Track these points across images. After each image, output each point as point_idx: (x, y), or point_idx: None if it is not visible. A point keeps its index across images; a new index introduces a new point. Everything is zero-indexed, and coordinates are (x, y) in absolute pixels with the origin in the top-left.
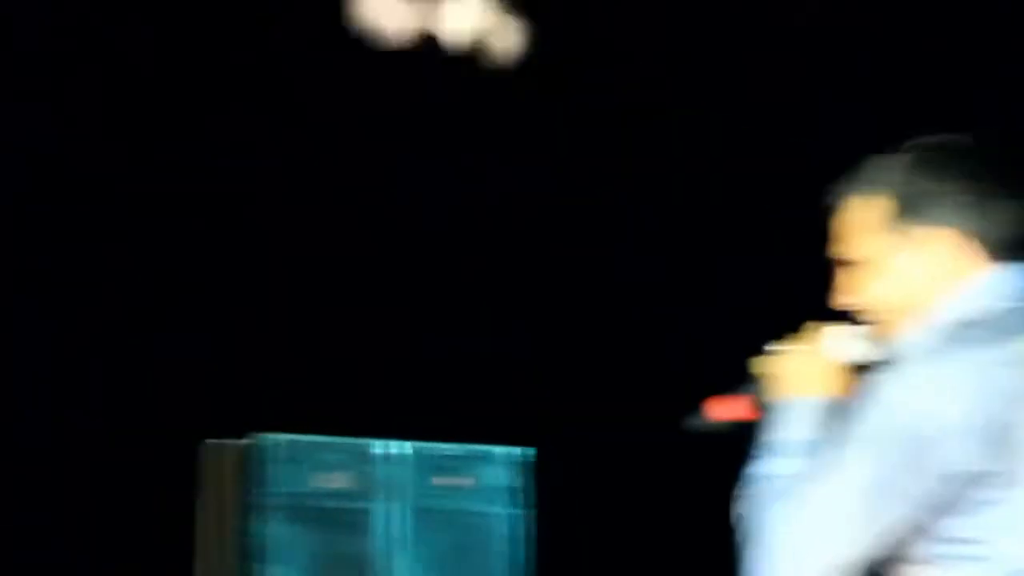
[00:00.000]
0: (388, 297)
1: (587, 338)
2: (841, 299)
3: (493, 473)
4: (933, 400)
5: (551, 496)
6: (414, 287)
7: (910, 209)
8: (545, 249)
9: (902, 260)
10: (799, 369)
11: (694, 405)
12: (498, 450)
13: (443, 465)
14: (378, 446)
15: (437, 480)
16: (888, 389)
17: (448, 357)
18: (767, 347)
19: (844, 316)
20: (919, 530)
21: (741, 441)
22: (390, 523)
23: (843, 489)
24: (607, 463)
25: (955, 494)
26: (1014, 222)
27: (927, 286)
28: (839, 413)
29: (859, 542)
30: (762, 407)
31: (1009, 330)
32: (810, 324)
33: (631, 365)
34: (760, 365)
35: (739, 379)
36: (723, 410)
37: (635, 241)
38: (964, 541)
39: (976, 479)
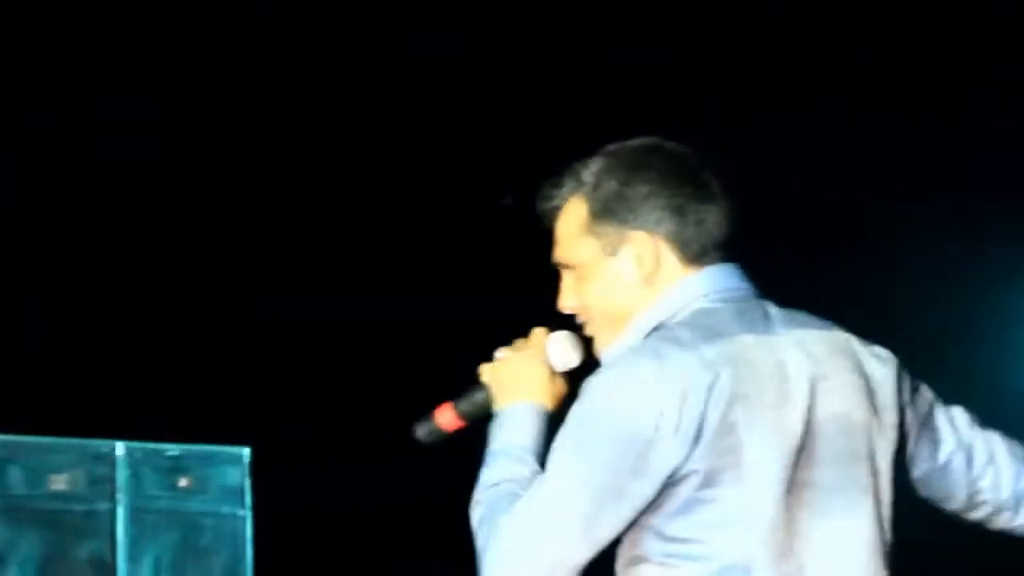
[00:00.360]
0: (103, 298)
1: (296, 337)
2: (561, 304)
3: (215, 473)
4: (638, 401)
5: (270, 495)
6: (123, 291)
7: (606, 212)
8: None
9: (605, 264)
10: (519, 375)
11: (419, 408)
12: (218, 449)
13: (165, 466)
14: (103, 447)
15: (160, 481)
16: (595, 392)
17: (165, 358)
18: (496, 353)
19: (569, 321)
20: (643, 529)
21: (465, 443)
22: (115, 525)
23: (558, 492)
24: (326, 460)
25: (668, 493)
26: (714, 225)
27: (631, 290)
28: (557, 419)
29: (577, 543)
30: (485, 414)
31: (716, 329)
32: (537, 330)
33: (350, 363)
34: (487, 372)
35: (466, 384)
36: (448, 417)
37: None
38: (683, 540)
39: (686, 477)
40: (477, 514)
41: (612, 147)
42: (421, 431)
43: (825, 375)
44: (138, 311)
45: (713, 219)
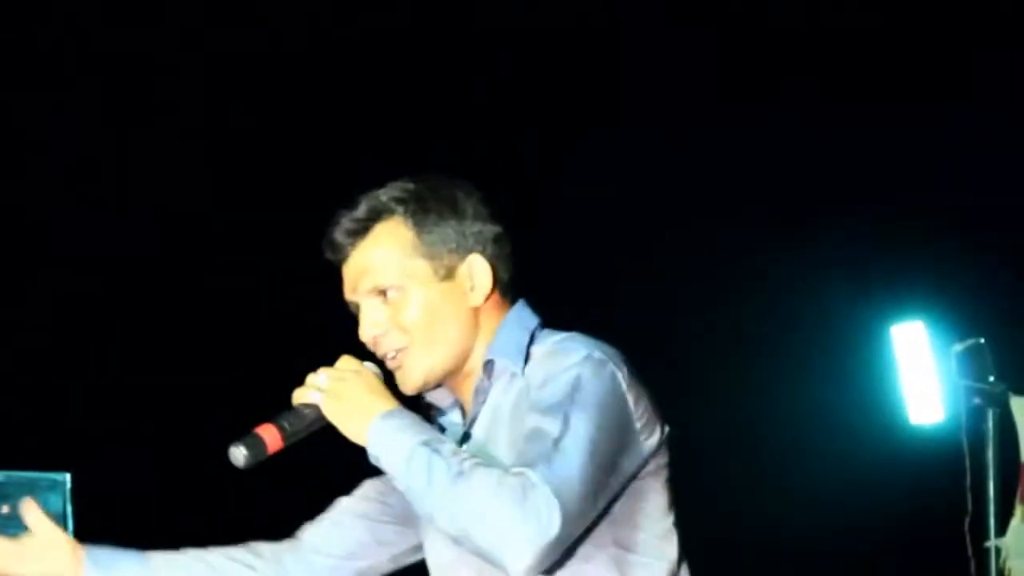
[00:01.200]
0: None
1: (117, 361)
2: (367, 333)
3: (35, 499)
4: (622, 390)
5: (88, 519)
6: None
7: (437, 235)
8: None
9: (435, 287)
10: (365, 389)
11: (238, 429)
12: (39, 476)
13: None
14: None
15: None
16: (592, 371)
17: None
18: (309, 378)
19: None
20: (639, 514)
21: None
22: None
23: (583, 453)
24: (144, 485)
25: (645, 472)
26: (512, 259)
27: (461, 314)
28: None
29: (595, 504)
30: (308, 432)
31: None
32: (345, 357)
33: (169, 387)
34: (306, 394)
35: (285, 407)
36: (272, 436)
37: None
38: (654, 532)
39: (656, 458)
40: (463, 484)
41: (416, 177)
42: (241, 452)
43: None
44: None
45: (511, 256)
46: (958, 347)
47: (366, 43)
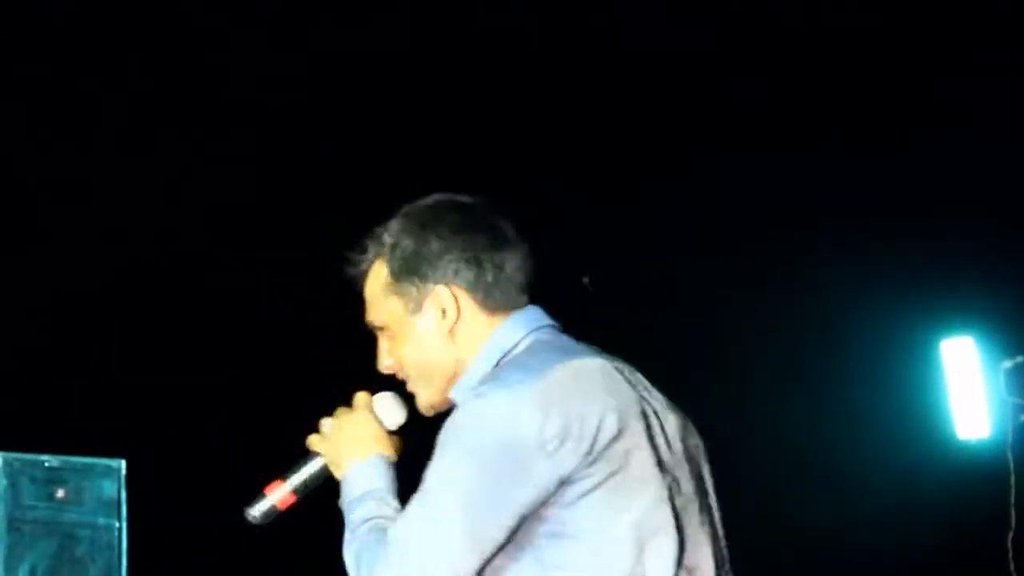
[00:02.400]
0: None
1: (174, 350)
2: (380, 366)
3: (91, 484)
4: (517, 410)
5: (144, 506)
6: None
7: (404, 271)
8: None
9: (411, 322)
10: (356, 435)
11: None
12: (94, 461)
13: (43, 477)
14: None
15: (37, 491)
16: (467, 411)
17: (44, 370)
18: (321, 423)
19: (391, 382)
20: (548, 539)
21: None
22: None
23: (441, 507)
24: (198, 473)
25: (559, 500)
26: (515, 270)
27: (438, 343)
28: (399, 470)
29: (464, 554)
30: (319, 483)
31: (566, 350)
32: (360, 394)
33: (225, 380)
34: (317, 442)
35: (297, 457)
36: (283, 494)
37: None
38: (583, 550)
39: (572, 486)
40: (352, 550)
41: (406, 208)
42: (255, 512)
43: (650, 396)
44: (16, 324)
45: (512, 264)
46: (1007, 364)
47: (381, 49)
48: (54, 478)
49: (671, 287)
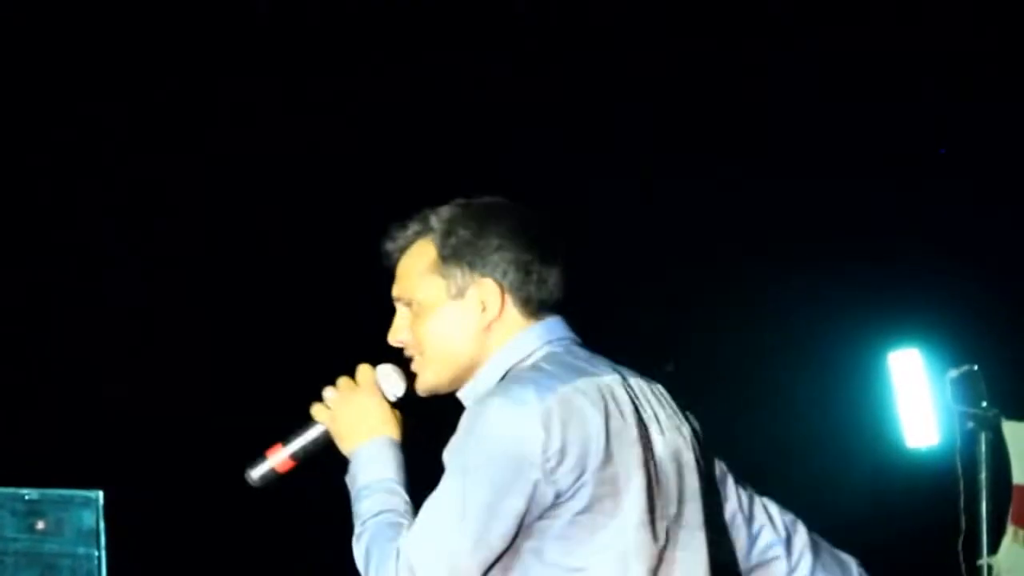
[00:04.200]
0: None
1: (150, 381)
2: (392, 337)
3: (70, 516)
4: (522, 424)
5: (122, 535)
6: None
7: (455, 256)
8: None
9: (448, 305)
10: (363, 412)
11: (257, 449)
12: (73, 493)
13: (23, 509)
14: None
15: (18, 523)
16: (479, 419)
17: (14, 402)
18: (325, 392)
19: (397, 355)
20: (533, 556)
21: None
22: None
23: (449, 515)
24: (175, 501)
25: (550, 516)
26: (554, 286)
27: (470, 333)
28: (402, 449)
29: (469, 561)
30: (319, 451)
31: (578, 368)
32: (363, 367)
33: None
34: (321, 412)
35: (298, 424)
36: (282, 458)
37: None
38: (569, 568)
39: (568, 502)
40: (363, 544)
41: (464, 199)
42: (255, 474)
43: (656, 416)
44: None
45: (554, 280)
46: (952, 373)
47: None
48: (34, 510)
49: (619, 302)
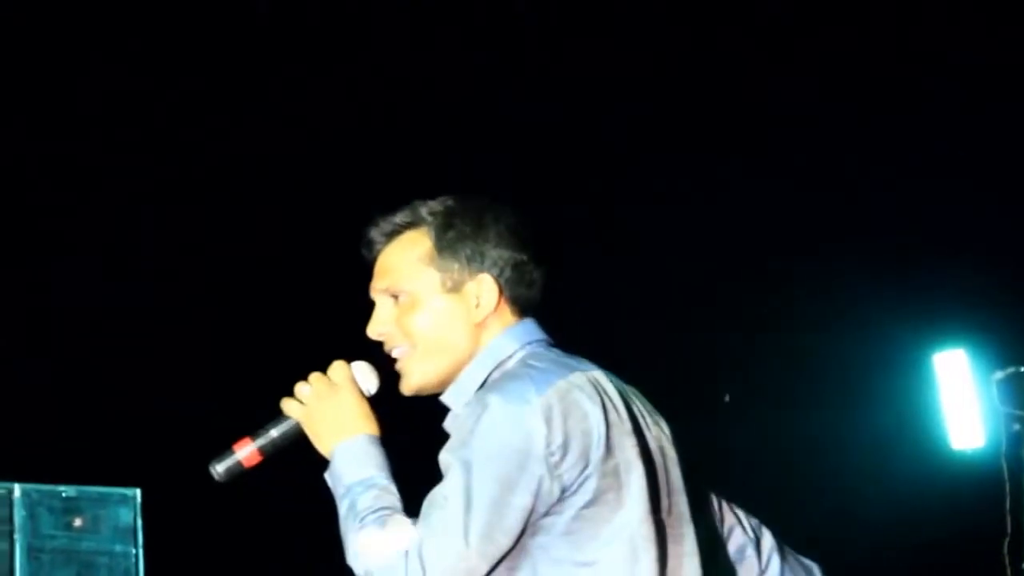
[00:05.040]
0: None
1: (188, 378)
2: (372, 330)
3: (107, 513)
4: (524, 419)
5: (160, 533)
6: (14, 338)
7: (453, 250)
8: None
9: (441, 298)
10: (342, 409)
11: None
12: (110, 491)
13: (60, 507)
14: (0, 488)
15: (55, 521)
16: (479, 416)
17: (54, 400)
18: (297, 387)
19: (375, 349)
20: (542, 553)
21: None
22: (13, 564)
23: (455, 513)
24: (213, 500)
25: (556, 511)
26: (539, 288)
27: (463, 327)
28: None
29: (478, 559)
30: (287, 446)
31: (567, 363)
32: (337, 363)
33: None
34: (293, 407)
35: (268, 418)
36: (250, 452)
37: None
38: (578, 563)
39: (574, 496)
40: (360, 540)
41: (455, 195)
42: (220, 467)
43: (641, 410)
44: (31, 357)
45: (540, 283)
46: (998, 375)
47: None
48: (71, 508)
49: (671, 306)
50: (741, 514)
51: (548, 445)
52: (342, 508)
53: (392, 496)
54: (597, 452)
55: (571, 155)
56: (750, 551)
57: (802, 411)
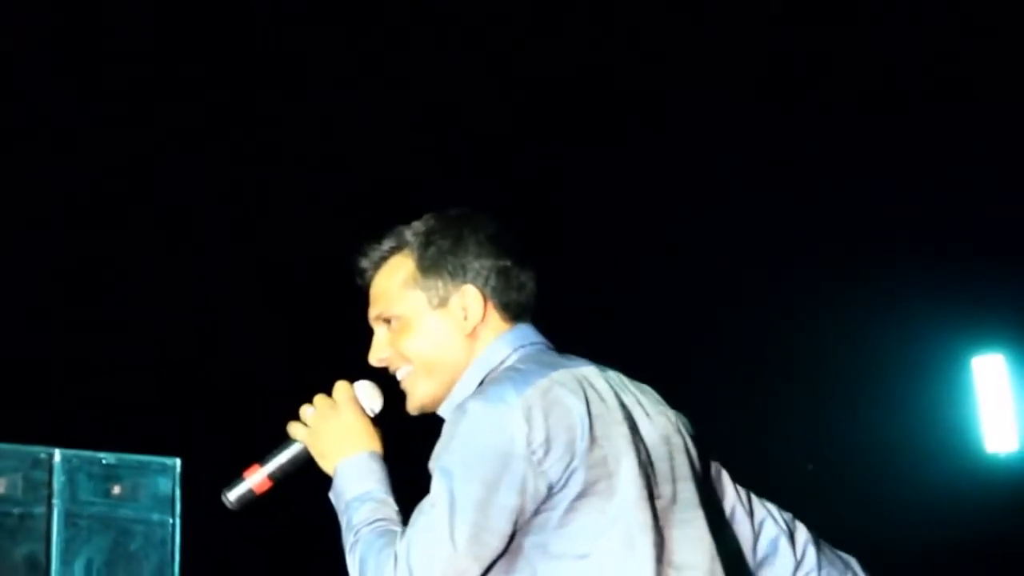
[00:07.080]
0: (41, 310)
1: (230, 350)
2: (373, 357)
3: (146, 482)
4: (505, 421)
5: (198, 504)
6: (60, 298)
7: (434, 267)
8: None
9: (430, 316)
10: (345, 429)
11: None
12: (150, 459)
13: (100, 473)
14: (41, 453)
15: (94, 487)
16: (463, 422)
17: (97, 366)
18: (302, 410)
19: (378, 373)
20: (538, 551)
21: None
22: (50, 528)
23: (442, 517)
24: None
25: (547, 506)
26: (531, 291)
27: (455, 341)
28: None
29: (467, 562)
30: (296, 470)
31: (554, 362)
32: (340, 383)
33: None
34: (299, 430)
35: (276, 443)
36: (260, 479)
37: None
38: (575, 556)
39: (562, 490)
40: (356, 554)
41: (435, 213)
42: (232, 495)
43: (639, 402)
44: (77, 323)
45: (530, 285)
46: None
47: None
48: (111, 475)
49: (704, 306)
50: (772, 508)
51: (530, 443)
52: (343, 523)
53: (389, 508)
54: (582, 444)
55: None
56: (783, 542)
57: (841, 412)
